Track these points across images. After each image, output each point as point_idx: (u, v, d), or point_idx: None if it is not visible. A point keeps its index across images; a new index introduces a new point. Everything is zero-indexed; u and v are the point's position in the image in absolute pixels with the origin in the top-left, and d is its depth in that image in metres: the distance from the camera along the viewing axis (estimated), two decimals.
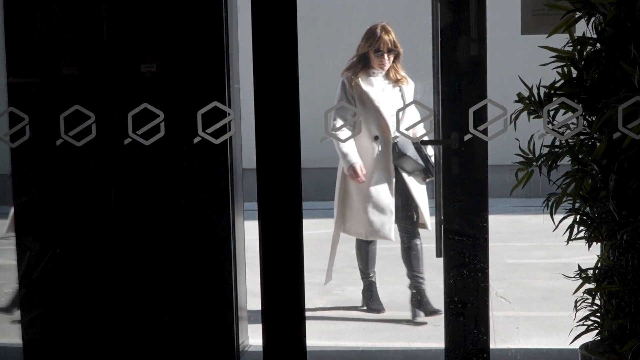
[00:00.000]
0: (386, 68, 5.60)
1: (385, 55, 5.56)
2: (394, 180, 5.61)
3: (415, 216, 5.64)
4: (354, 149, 5.57)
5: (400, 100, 5.59)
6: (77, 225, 4.53)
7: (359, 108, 5.55)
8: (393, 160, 5.57)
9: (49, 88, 4.48)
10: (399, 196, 5.63)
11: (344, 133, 5.45)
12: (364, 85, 5.57)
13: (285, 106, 3.93)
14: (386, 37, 5.55)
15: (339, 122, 5.48)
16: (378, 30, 5.57)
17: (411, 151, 5.54)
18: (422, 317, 5.58)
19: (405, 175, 5.59)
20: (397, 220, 5.66)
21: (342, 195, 5.76)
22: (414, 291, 5.64)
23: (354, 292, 6.23)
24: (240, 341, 4.63)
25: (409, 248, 5.66)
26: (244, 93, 4.66)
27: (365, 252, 5.89)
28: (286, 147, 3.94)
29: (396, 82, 5.62)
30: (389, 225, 5.62)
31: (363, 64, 5.62)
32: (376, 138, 5.59)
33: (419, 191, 5.62)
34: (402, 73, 5.64)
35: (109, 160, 4.44)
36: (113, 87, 4.42)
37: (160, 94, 4.34)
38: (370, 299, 5.93)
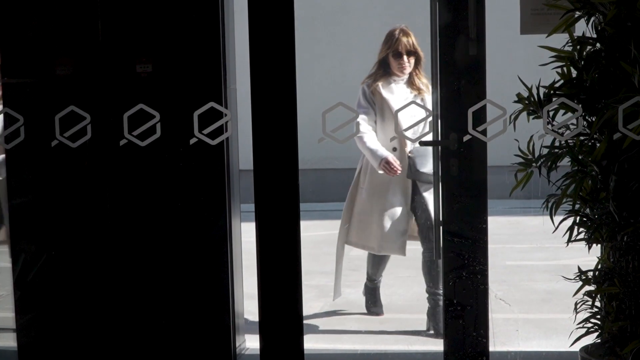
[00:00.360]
0: (407, 71, 5.47)
1: (405, 58, 5.44)
2: (409, 194, 5.48)
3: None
4: (379, 144, 5.45)
5: (421, 111, 5.33)
6: (73, 228, 4.53)
7: (378, 117, 5.48)
8: (408, 175, 5.43)
9: (43, 88, 4.48)
10: (420, 211, 5.46)
11: (364, 127, 5.39)
12: (385, 93, 5.46)
13: (282, 106, 3.94)
14: (404, 39, 5.44)
15: (362, 116, 5.40)
16: (396, 33, 5.47)
17: (429, 167, 5.28)
18: (433, 333, 5.41)
19: (424, 190, 5.42)
20: (419, 234, 5.51)
21: (350, 207, 5.66)
22: (431, 306, 5.47)
23: (352, 295, 6.23)
24: (237, 344, 4.63)
25: (430, 263, 5.47)
26: (240, 93, 4.67)
27: (378, 258, 5.79)
28: (283, 148, 3.94)
29: (419, 92, 5.47)
30: (402, 240, 5.50)
31: (383, 70, 5.51)
32: (394, 150, 5.47)
33: None
34: (425, 80, 5.48)
35: (105, 161, 4.45)
36: (108, 88, 4.42)
37: (156, 95, 4.35)
38: (372, 303, 5.89)
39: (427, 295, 5.51)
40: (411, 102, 5.41)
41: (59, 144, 3.99)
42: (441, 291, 5.30)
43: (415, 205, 5.49)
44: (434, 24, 4.21)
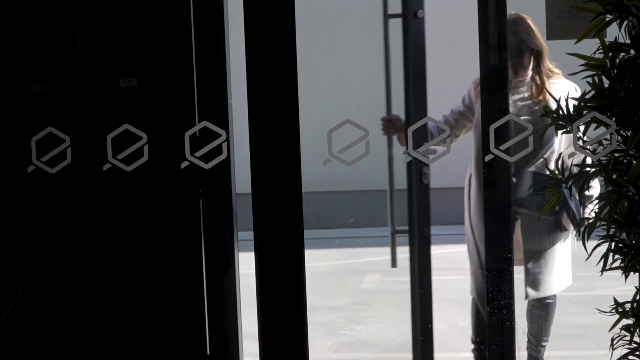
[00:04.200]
0: (523, 74, 4.97)
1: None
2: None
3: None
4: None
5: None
6: (50, 262, 4.55)
7: (475, 125, 4.94)
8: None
9: (17, 107, 4.51)
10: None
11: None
12: None
13: (283, 123, 3.98)
14: (514, 28, 4.84)
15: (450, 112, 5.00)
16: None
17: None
18: None
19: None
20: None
21: None
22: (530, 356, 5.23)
23: (363, 333, 6.24)
24: None
25: (539, 305, 5.31)
26: (236, 110, 4.70)
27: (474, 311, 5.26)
28: (285, 169, 3.98)
29: (539, 99, 4.89)
30: None
31: None
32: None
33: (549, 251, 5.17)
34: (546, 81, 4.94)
35: (87, 188, 4.47)
36: (89, 106, 4.44)
37: (142, 113, 4.37)
38: None
39: (527, 343, 5.35)
40: (426, 118, 5.34)
41: (35, 169, 4.02)
42: (546, 343, 5.21)
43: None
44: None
